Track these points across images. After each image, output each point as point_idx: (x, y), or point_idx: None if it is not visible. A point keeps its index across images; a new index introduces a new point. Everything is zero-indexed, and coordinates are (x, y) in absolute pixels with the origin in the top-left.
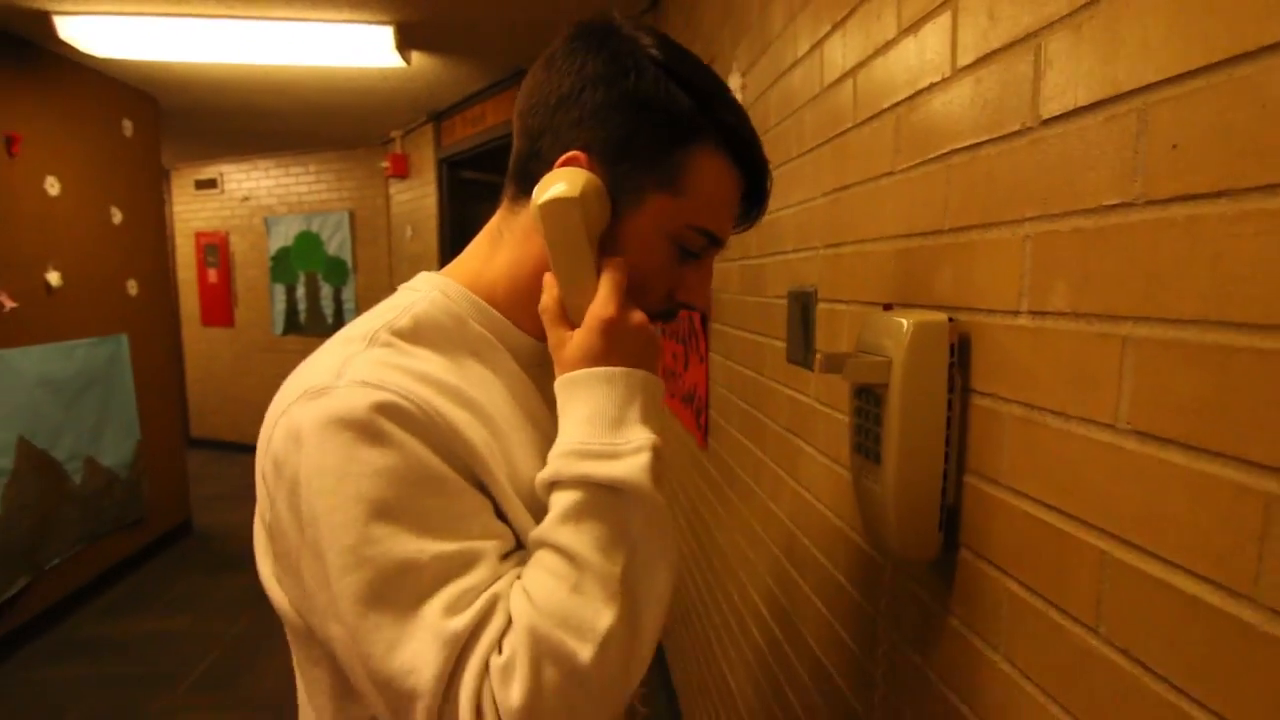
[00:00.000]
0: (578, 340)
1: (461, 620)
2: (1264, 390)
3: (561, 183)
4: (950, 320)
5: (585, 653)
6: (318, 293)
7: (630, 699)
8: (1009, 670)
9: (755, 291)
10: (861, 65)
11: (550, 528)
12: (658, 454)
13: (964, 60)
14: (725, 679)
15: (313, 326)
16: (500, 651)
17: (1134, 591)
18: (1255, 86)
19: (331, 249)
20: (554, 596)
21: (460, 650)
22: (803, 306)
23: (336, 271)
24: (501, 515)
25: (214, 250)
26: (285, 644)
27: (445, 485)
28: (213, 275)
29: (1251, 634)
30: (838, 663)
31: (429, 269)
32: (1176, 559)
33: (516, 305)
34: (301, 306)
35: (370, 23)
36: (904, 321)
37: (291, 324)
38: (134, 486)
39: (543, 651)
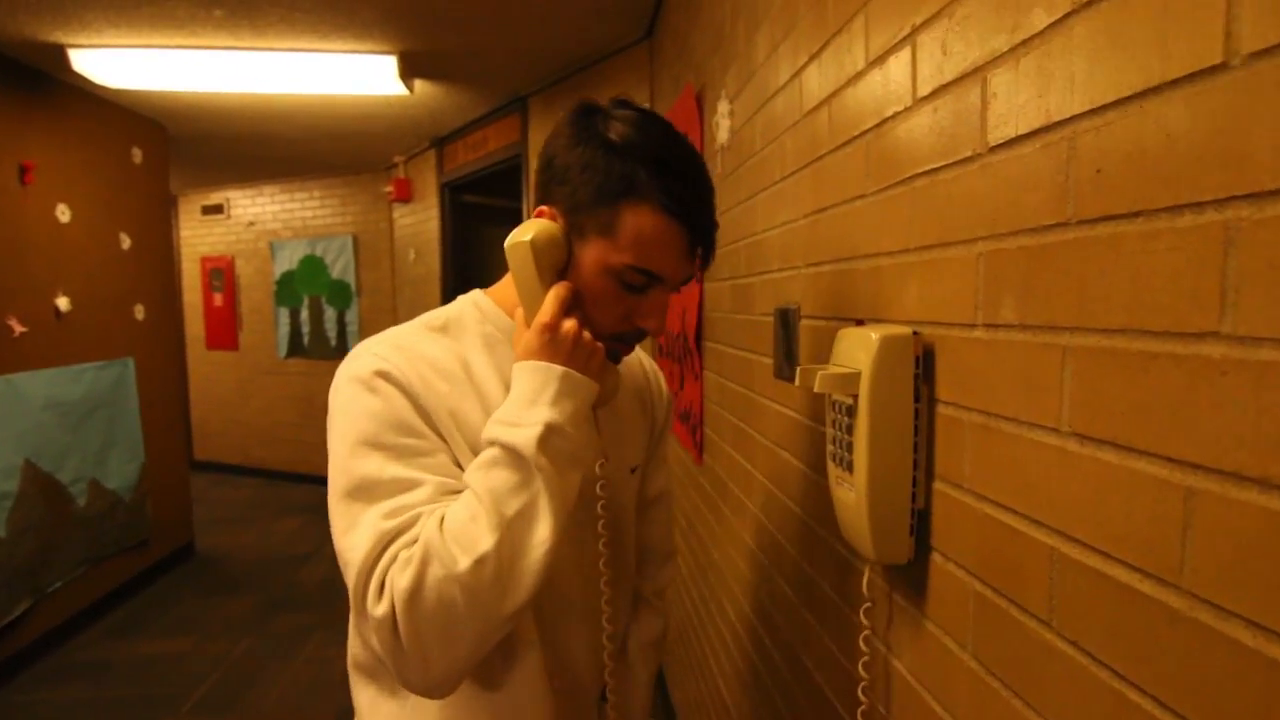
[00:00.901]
0: (523, 339)
1: (390, 523)
2: (1179, 392)
3: (521, 231)
4: (915, 333)
5: (464, 562)
6: (321, 316)
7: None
8: (976, 668)
9: (745, 310)
10: (835, 94)
11: (470, 471)
12: (550, 429)
13: (923, 91)
14: (721, 693)
15: (316, 349)
16: (409, 550)
17: (1079, 584)
18: (1160, 118)
19: (335, 272)
20: (456, 519)
21: (385, 543)
22: (786, 323)
23: (340, 295)
24: (460, 464)
25: (219, 274)
26: (286, 667)
27: (412, 430)
28: (218, 299)
29: (1179, 619)
30: (824, 670)
31: (432, 291)
32: (1114, 552)
33: None
34: (305, 329)
35: (374, 53)
36: (872, 335)
37: (295, 347)
38: (138, 509)
39: (433, 554)
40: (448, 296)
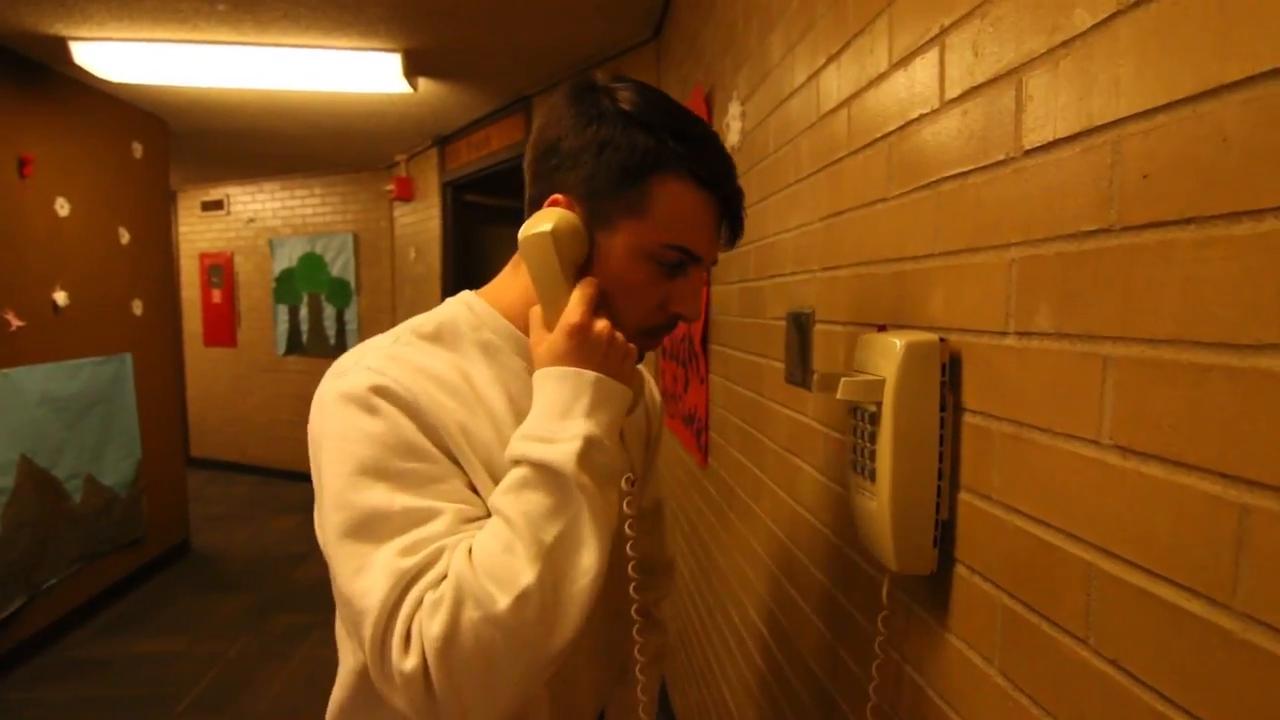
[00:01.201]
0: (547, 342)
1: (410, 561)
2: (1234, 406)
3: (537, 221)
4: (941, 340)
5: (504, 601)
6: (320, 314)
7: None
8: (1003, 684)
9: (755, 313)
10: (855, 96)
11: (497, 495)
12: (590, 443)
13: (951, 93)
14: (725, 701)
15: (315, 347)
16: (436, 590)
17: (1120, 602)
18: (1216, 122)
19: (335, 270)
20: (488, 551)
21: (405, 585)
22: (800, 328)
23: (340, 293)
24: (475, 488)
25: (218, 271)
26: (281, 667)
27: (421, 453)
28: (216, 296)
29: (1231, 641)
30: (835, 679)
31: (432, 291)
32: (1160, 570)
33: (525, 317)
34: (304, 327)
35: (379, 50)
36: (897, 341)
37: (294, 344)
38: (133, 506)
39: (466, 594)
40: (448, 295)
